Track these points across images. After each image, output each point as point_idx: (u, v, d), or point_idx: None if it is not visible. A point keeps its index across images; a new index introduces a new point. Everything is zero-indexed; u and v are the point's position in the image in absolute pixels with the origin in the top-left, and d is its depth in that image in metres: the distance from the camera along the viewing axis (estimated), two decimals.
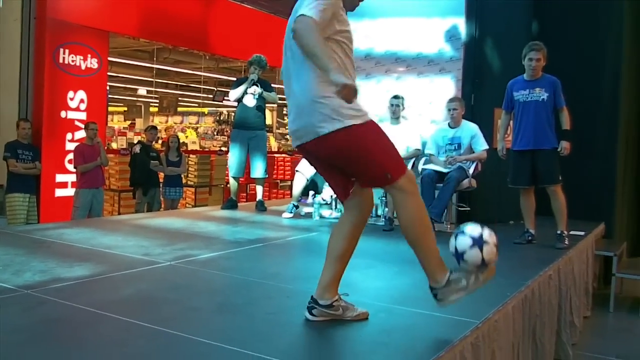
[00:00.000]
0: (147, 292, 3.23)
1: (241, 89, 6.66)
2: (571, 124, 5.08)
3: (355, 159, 2.55)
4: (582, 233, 5.70)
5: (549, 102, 5.05)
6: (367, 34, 6.94)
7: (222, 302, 3.09)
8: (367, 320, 2.71)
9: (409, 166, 6.12)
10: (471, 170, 5.78)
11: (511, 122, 5.45)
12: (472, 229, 2.58)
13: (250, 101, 6.69)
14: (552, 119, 5.09)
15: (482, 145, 5.83)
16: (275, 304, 3.03)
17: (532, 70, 5.10)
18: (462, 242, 2.56)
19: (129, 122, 19.51)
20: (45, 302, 2.89)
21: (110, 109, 17.73)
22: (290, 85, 2.66)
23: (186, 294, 3.19)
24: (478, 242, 2.55)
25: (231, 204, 6.92)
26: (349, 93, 2.34)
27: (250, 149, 6.73)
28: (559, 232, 5.06)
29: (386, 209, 5.93)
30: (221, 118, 21.49)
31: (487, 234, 2.56)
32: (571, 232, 5.41)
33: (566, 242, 5.00)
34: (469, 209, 6.21)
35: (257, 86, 6.71)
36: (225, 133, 19.38)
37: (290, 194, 6.55)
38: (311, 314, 2.65)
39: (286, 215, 6.30)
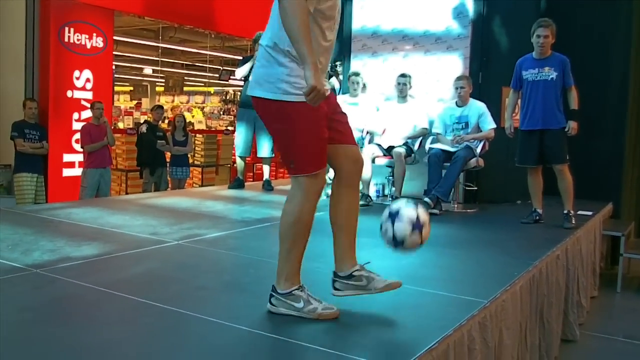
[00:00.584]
0: (155, 271, 3.24)
1: (247, 65, 6.61)
2: (579, 104, 5.04)
3: (273, 133, 2.52)
4: (589, 213, 5.68)
5: (558, 81, 5.01)
6: (373, 11, 6.87)
7: (229, 281, 3.10)
8: (375, 299, 2.71)
9: (416, 145, 6.11)
10: (478, 150, 5.76)
11: (519, 101, 5.41)
12: (408, 212, 2.47)
13: None
14: (561, 98, 5.06)
15: (489, 124, 5.79)
16: None
17: (540, 48, 5.05)
18: (401, 228, 2.46)
19: (135, 102, 19.50)
20: (54, 281, 2.90)
21: (117, 88, 17.72)
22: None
23: (193, 273, 3.20)
24: (417, 225, 2.46)
25: (238, 184, 6.92)
26: (314, 98, 2.20)
27: (257, 129, 6.70)
28: (565, 211, 5.03)
29: (393, 188, 5.91)
30: (227, 97, 21.48)
31: (423, 214, 2.48)
32: (579, 212, 5.38)
33: (573, 222, 4.98)
34: (476, 188, 6.21)
35: None
36: (231, 112, 19.40)
37: None
38: (335, 288, 2.59)
39: None
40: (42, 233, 4.03)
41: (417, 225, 2.46)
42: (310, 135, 2.40)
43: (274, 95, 2.35)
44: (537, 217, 5.20)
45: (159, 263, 3.41)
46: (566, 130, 4.98)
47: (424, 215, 2.49)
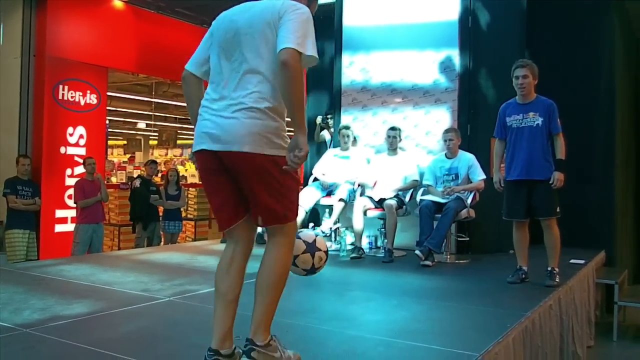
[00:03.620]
0: (146, 328, 3.22)
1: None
2: (567, 152, 4.72)
3: (269, 188, 2.36)
4: (582, 261, 5.69)
5: (544, 128, 4.65)
6: (362, 66, 7.02)
7: None
8: (366, 354, 2.70)
9: (407, 197, 6.15)
10: (469, 201, 5.80)
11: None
12: (306, 235, 2.73)
13: None
14: (549, 146, 4.70)
15: (479, 175, 5.85)
16: None
17: (521, 90, 4.72)
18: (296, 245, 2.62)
19: (128, 156, 19.60)
20: (44, 341, 2.88)
21: (110, 142, 17.83)
22: (245, 63, 2.43)
23: (185, 331, 3.18)
24: (311, 248, 2.70)
25: None
26: (301, 161, 2.26)
27: None
28: (549, 268, 4.66)
29: (385, 240, 5.92)
30: None
31: (320, 241, 2.71)
32: (571, 261, 5.38)
33: (557, 280, 4.61)
34: (468, 239, 6.22)
35: None
36: None
37: None
38: (250, 357, 2.36)
39: None
40: (32, 291, 4.00)
41: (310, 248, 2.73)
42: (297, 184, 2.53)
43: (272, 152, 2.32)
44: (524, 276, 4.76)
45: (150, 320, 3.39)
46: (550, 182, 4.59)
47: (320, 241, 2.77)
